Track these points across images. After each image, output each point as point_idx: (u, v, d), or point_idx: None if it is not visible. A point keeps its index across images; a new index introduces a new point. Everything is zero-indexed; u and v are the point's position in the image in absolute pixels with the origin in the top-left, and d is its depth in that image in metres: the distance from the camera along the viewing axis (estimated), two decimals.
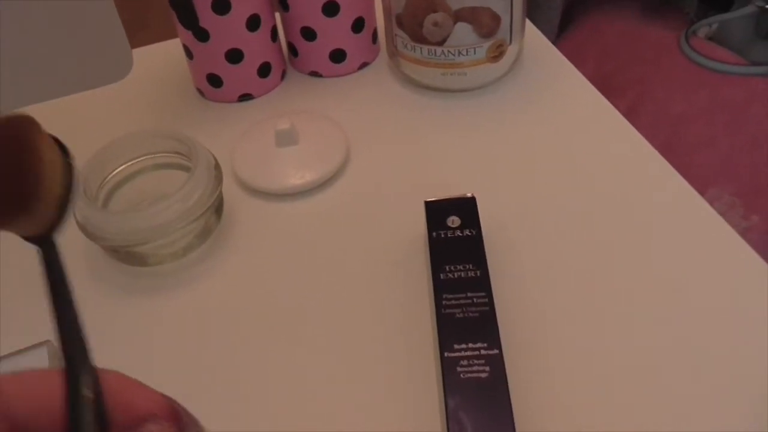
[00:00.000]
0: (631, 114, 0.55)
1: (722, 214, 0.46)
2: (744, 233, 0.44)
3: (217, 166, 0.47)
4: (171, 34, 0.64)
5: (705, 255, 0.43)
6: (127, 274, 0.46)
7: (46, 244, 0.21)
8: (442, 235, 0.42)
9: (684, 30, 1.22)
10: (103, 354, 0.42)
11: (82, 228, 0.44)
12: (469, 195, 0.44)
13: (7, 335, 0.43)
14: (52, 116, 0.60)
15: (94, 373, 0.21)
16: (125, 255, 0.46)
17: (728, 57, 1.17)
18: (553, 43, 0.63)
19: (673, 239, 0.44)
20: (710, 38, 1.23)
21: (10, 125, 0.20)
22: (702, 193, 0.47)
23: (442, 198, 0.44)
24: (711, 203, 0.47)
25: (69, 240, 0.48)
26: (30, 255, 0.50)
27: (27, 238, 0.21)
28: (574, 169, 0.50)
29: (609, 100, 0.56)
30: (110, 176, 0.48)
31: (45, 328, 0.44)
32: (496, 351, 0.36)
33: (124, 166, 0.48)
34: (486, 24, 0.52)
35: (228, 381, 0.40)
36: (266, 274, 0.46)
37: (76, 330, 0.21)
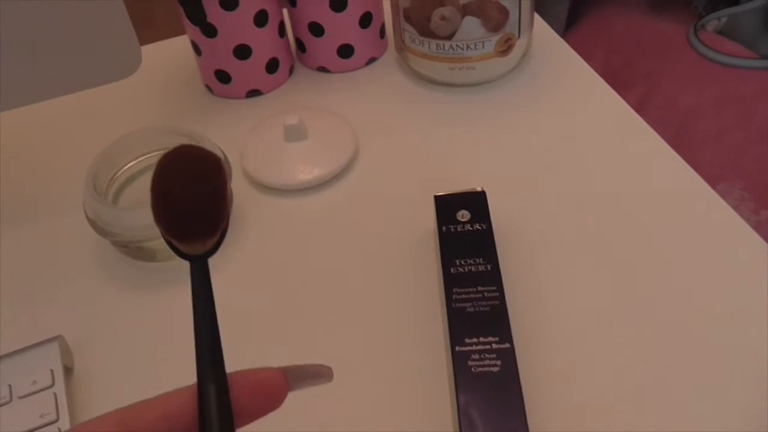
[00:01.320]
0: (639, 108, 0.55)
1: (732, 208, 0.45)
2: (754, 228, 0.44)
3: (226, 162, 0.47)
4: (178, 31, 0.64)
5: (717, 248, 0.43)
6: (137, 269, 0.47)
7: (199, 264, 0.23)
8: (452, 230, 0.42)
9: (693, 24, 1.21)
10: (116, 349, 0.43)
11: (92, 223, 0.44)
12: (479, 189, 0.44)
13: (20, 330, 0.44)
14: (61, 113, 0.60)
15: (226, 389, 0.22)
16: (135, 250, 0.46)
17: (737, 51, 1.16)
18: (561, 37, 0.63)
19: (685, 233, 0.44)
20: (719, 32, 1.22)
21: (207, 156, 0.23)
22: (712, 187, 0.47)
23: (452, 192, 0.44)
24: (721, 197, 0.46)
25: (79, 235, 0.49)
26: (41, 252, 0.51)
27: (182, 255, 0.23)
28: (584, 163, 0.50)
29: (618, 94, 0.55)
30: (120, 172, 0.48)
31: (56, 323, 0.44)
32: (507, 345, 0.36)
33: (133, 163, 0.48)
34: (494, 18, 0.52)
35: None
36: (275, 270, 0.46)
37: (214, 348, 0.23)
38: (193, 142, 0.47)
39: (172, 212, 0.22)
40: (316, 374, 0.26)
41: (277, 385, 0.23)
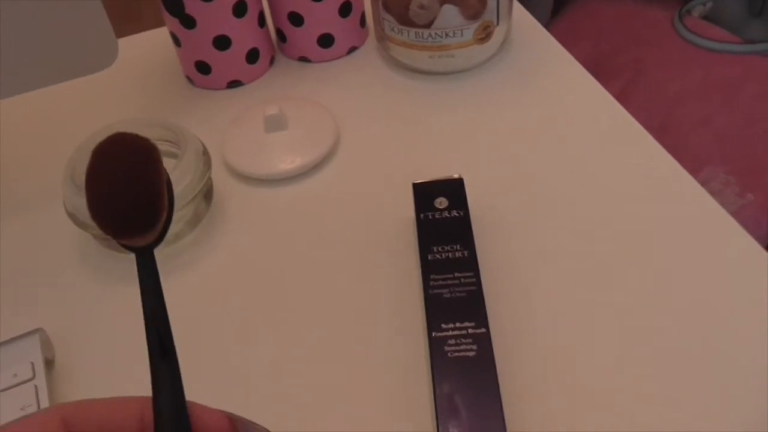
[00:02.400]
0: (626, 95, 0.55)
1: (718, 192, 0.46)
2: (740, 211, 0.44)
3: (206, 152, 0.47)
4: (157, 23, 0.64)
5: (697, 236, 0.43)
6: (118, 261, 0.47)
7: (145, 255, 0.23)
8: (430, 217, 0.42)
9: (678, 9, 1.21)
10: (96, 342, 0.43)
11: (72, 217, 0.44)
12: (456, 176, 0.44)
13: (1, 323, 0.44)
14: (39, 106, 0.60)
15: (177, 375, 0.22)
16: (115, 243, 0.46)
17: (722, 35, 1.16)
18: (547, 24, 0.63)
19: (664, 220, 0.44)
20: (704, 17, 1.22)
21: (139, 145, 0.22)
22: (698, 171, 0.47)
23: (430, 180, 0.44)
24: (707, 182, 0.47)
25: (59, 229, 0.49)
26: (21, 246, 0.51)
27: (128, 248, 0.23)
28: (563, 151, 0.50)
29: (605, 82, 0.56)
30: None
31: (37, 316, 0.44)
32: (483, 330, 0.36)
33: None
34: (472, 5, 0.52)
35: (219, 366, 0.40)
36: (257, 259, 0.46)
37: (165, 336, 0.22)
38: (171, 133, 0.47)
39: (105, 210, 0.21)
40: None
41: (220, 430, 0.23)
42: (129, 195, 0.21)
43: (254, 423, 0.24)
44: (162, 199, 0.22)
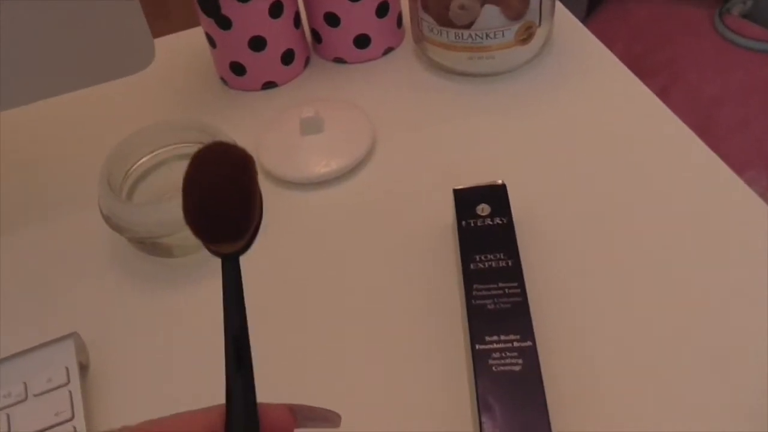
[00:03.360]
0: (663, 96, 0.53)
1: (760, 196, 0.44)
2: None
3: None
4: (193, 23, 0.64)
5: (746, 239, 0.42)
6: (152, 265, 0.46)
7: (231, 263, 0.23)
8: (472, 224, 0.41)
9: (717, 8, 1.18)
10: (131, 346, 0.42)
11: (107, 220, 0.44)
12: (499, 182, 0.42)
13: (35, 328, 0.44)
14: (75, 108, 0.60)
15: (251, 378, 0.23)
16: (151, 246, 0.45)
17: (763, 35, 1.13)
18: (583, 24, 0.61)
19: (713, 224, 0.43)
20: (744, 15, 1.19)
21: (237, 154, 0.23)
22: (739, 175, 0.46)
23: (472, 185, 0.43)
24: (748, 186, 0.45)
25: (94, 232, 0.48)
26: (56, 250, 0.51)
27: (215, 253, 0.23)
28: (607, 153, 0.48)
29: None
30: (134, 167, 0.47)
31: (72, 320, 0.44)
32: (529, 343, 0.35)
33: (147, 157, 0.48)
34: (514, 6, 0.51)
35: (255, 370, 0.39)
36: (292, 264, 0.45)
37: (243, 344, 0.23)
38: (207, 136, 0.46)
39: (200, 216, 0.22)
40: (324, 418, 0.26)
41: (286, 426, 0.24)
42: (224, 203, 0.22)
43: (312, 407, 0.25)
44: (255, 209, 0.23)
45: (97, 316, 0.44)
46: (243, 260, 0.45)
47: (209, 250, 0.23)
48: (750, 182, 0.43)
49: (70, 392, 0.38)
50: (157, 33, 0.67)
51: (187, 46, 0.65)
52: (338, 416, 0.27)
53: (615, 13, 1.28)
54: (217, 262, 0.46)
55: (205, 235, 0.22)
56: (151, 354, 0.41)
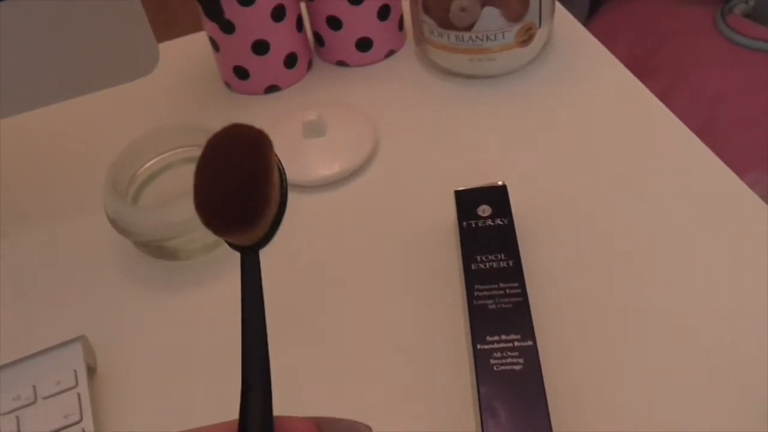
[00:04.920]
0: (665, 96, 0.54)
1: (763, 198, 0.44)
2: None
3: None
4: (198, 27, 0.64)
5: (747, 240, 0.42)
6: (158, 268, 0.47)
7: (249, 255, 0.22)
8: (473, 225, 0.41)
9: (719, 7, 1.18)
10: (139, 349, 0.43)
11: (113, 223, 0.45)
12: (500, 183, 0.43)
13: (43, 331, 0.44)
14: (80, 113, 0.60)
15: (268, 389, 0.22)
16: (156, 249, 0.46)
17: (766, 34, 1.13)
18: (584, 25, 0.61)
19: (714, 226, 0.43)
20: (747, 15, 1.19)
21: (251, 136, 0.21)
22: (741, 176, 0.46)
23: (473, 187, 0.43)
24: (751, 187, 0.45)
25: (100, 235, 0.49)
26: (63, 253, 0.51)
27: (233, 246, 0.22)
28: (608, 155, 0.49)
29: (643, 83, 0.54)
30: (140, 171, 0.48)
31: (79, 323, 0.44)
32: (530, 343, 0.35)
33: (153, 161, 0.48)
34: (514, 7, 0.51)
35: None
36: (296, 266, 0.45)
37: (260, 340, 0.22)
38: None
39: (210, 204, 0.20)
40: (350, 430, 0.24)
41: None
42: (231, 190, 0.20)
43: (339, 419, 0.24)
44: (263, 196, 0.21)
45: (104, 319, 0.44)
46: None
47: (228, 244, 0.22)
48: (752, 183, 0.43)
49: (78, 395, 0.38)
50: (164, 38, 0.67)
51: (191, 51, 0.66)
52: (369, 429, 0.25)
53: (617, 13, 1.28)
54: (222, 266, 0.47)
55: (212, 225, 0.20)
56: (158, 356, 0.42)
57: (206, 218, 0.20)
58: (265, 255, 0.48)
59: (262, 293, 0.22)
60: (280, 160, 0.22)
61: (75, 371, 0.39)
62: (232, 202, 0.20)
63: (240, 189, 0.20)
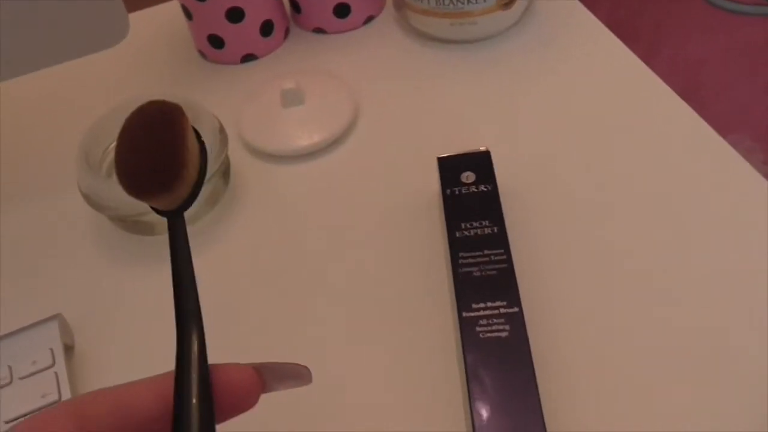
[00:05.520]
0: (647, 60, 0.53)
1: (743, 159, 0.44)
2: (766, 178, 0.42)
3: (222, 130, 0.46)
4: None
5: (730, 200, 0.41)
6: (135, 243, 0.46)
7: (175, 218, 0.24)
8: (457, 192, 0.40)
9: None
10: (116, 326, 0.42)
11: (87, 198, 0.43)
12: (482, 149, 0.42)
13: (19, 310, 0.43)
14: (49, 85, 0.59)
15: (202, 339, 0.22)
16: (132, 224, 0.45)
17: None
18: None
19: (697, 185, 0.43)
20: None
21: (163, 110, 0.23)
22: (722, 138, 0.46)
23: (455, 153, 0.42)
24: (733, 148, 0.45)
25: (74, 211, 0.47)
26: (37, 231, 0.50)
27: (158, 212, 0.24)
28: (592, 118, 0.48)
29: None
30: (113, 144, 0.47)
31: (55, 301, 0.43)
32: (516, 309, 0.35)
33: None
34: None
35: (240, 346, 0.39)
36: (277, 238, 0.44)
37: (191, 297, 0.23)
38: (187, 110, 0.45)
39: (126, 170, 0.23)
40: (295, 375, 0.25)
41: (250, 386, 0.22)
42: (147, 155, 0.22)
43: (281, 363, 0.24)
44: (177, 160, 0.23)
45: (80, 296, 0.43)
46: (226, 233, 0.45)
47: (152, 209, 0.24)
48: (732, 145, 0.43)
49: (56, 374, 0.37)
50: (141, 7, 0.65)
51: (163, 20, 0.64)
52: (308, 371, 0.25)
53: None
54: (199, 239, 0.46)
55: (129, 188, 0.22)
56: (136, 332, 0.41)
57: (127, 185, 0.22)
58: (246, 226, 0.48)
59: (189, 252, 0.23)
60: (197, 130, 0.25)
61: (52, 350, 0.38)
62: (148, 167, 0.22)
63: (155, 155, 0.22)
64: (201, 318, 0.23)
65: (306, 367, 0.25)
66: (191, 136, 0.24)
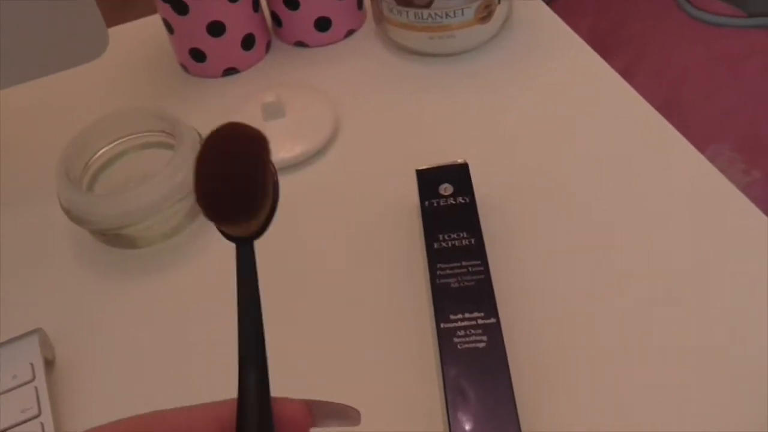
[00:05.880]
0: (628, 72, 0.54)
1: (723, 170, 0.45)
2: (745, 189, 0.43)
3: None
4: (153, 11, 0.63)
5: (707, 213, 0.42)
6: (116, 257, 0.46)
7: (245, 246, 0.23)
8: (435, 204, 0.41)
9: None
10: (97, 340, 0.42)
11: (68, 212, 0.43)
12: (461, 161, 0.43)
13: None
14: (30, 99, 0.59)
15: (265, 371, 0.23)
16: (113, 238, 0.45)
17: (725, 9, 1.14)
18: (544, 1, 0.61)
19: (674, 199, 0.43)
20: None
21: (250, 137, 0.22)
22: (703, 149, 0.46)
23: (434, 165, 0.43)
24: (712, 160, 0.45)
25: (54, 225, 0.47)
26: (17, 244, 0.50)
27: (229, 237, 0.23)
28: (569, 132, 0.49)
29: (605, 59, 0.54)
30: (94, 158, 0.47)
31: (35, 315, 0.43)
32: (493, 320, 0.35)
33: (107, 148, 0.47)
34: None
35: (222, 360, 0.39)
36: (258, 249, 0.44)
37: (255, 329, 0.23)
38: (167, 124, 0.46)
39: (210, 195, 0.21)
40: (343, 415, 0.25)
41: (302, 420, 0.23)
42: (233, 182, 0.21)
43: (329, 402, 0.25)
44: (264, 190, 0.22)
45: (61, 310, 0.43)
46: (207, 245, 0.45)
47: (223, 234, 0.23)
48: (713, 156, 0.44)
49: (36, 388, 0.37)
50: (119, 22, 0.65)
51: (146, 34, 0.64)
52: (357, 413, 0.26)
53: None
54: (181, 253, 0.46)
55: (213, 214, 0.22)
56: (118, 347, 0.41)
57: (208, 207, 0.21)
58: (224, 239, 0.47)
59: (257, 282, 0.23)
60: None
61: (32, 364, 0.38)
62: (235, 192, 0.21)
63: (243, 180, 0.21)
64: (265, 350, 0.23)
65: (355, 410, 0.25)
66: (272, 166, 0.23)
